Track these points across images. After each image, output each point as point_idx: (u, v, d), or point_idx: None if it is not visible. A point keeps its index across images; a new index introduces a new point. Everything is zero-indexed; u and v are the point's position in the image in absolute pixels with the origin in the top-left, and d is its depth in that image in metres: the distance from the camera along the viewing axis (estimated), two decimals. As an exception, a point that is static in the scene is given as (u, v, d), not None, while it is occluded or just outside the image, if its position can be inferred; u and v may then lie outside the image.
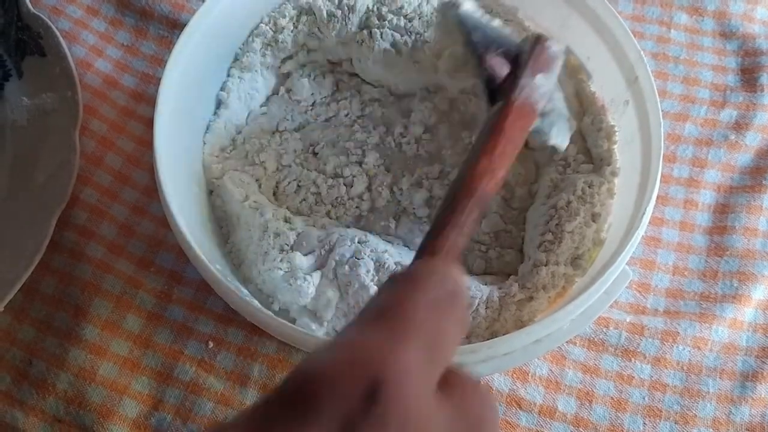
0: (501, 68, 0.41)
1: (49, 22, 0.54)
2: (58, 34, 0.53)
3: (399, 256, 0.45)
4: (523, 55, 0.41)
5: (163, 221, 0.47)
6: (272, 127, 0.53)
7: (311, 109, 0.55)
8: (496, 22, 0.46)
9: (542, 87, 0.39)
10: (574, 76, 0.52)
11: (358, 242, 0.45)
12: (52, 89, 0.52)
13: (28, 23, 0.53)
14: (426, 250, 0.31)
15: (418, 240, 0.48)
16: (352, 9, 0.52)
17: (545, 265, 0.45)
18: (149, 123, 0.46)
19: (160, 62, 0.52)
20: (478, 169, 0.34)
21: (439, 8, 0.48)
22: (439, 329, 0.23)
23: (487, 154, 0.35)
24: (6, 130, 0.53)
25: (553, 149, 0.45)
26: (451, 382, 0.24)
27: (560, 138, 0.43)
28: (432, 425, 0.22)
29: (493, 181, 0.34)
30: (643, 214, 0.42)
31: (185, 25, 0.49)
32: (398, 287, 0.24)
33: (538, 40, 0.41)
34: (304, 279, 0.43)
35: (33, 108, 0.53)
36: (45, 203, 0.48)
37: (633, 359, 0.48)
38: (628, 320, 0.49)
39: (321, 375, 0.21)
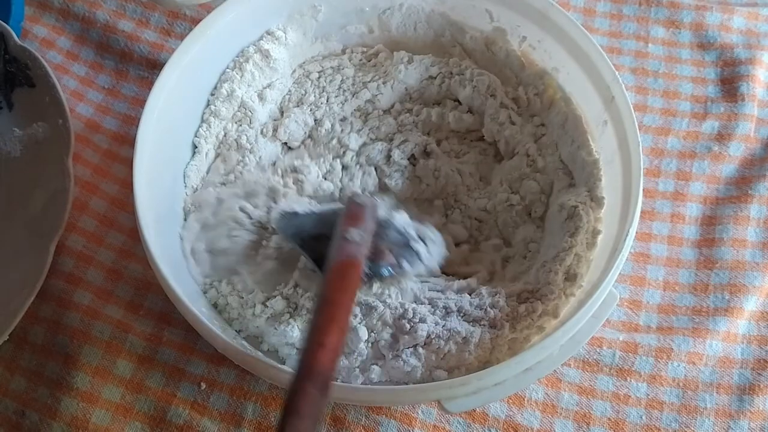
0: (322, 245, 0.42)
1: (36, 54, 0.54)
2: (45, 64, 0.53)
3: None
4: (338, 219, 0.42)
5: (151, 263, 0.46)
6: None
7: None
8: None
9: (358, 238, 0.40)
10: (558, 102, 0.52)
11: None
12: (42, 118, 0.52)
13: (15, 56, 0.54)
14: None
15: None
16: None
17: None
18: (132, 165, 0.46)
19: (142, 103, 0.52)
20: (310, 347, 0.35)
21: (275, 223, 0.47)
22: None
23: (316, 329, 0.36)
24: (0, 163, 0.53)
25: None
26: None
27: (414, 266, 0.44)
28: None
29: (326, 351, 0.34)
30: (626, 236, 0.42)
31: (164, 64, 0.49)
32: None
33: (348, 200, 0.43)
34: (288, 323, 0.43)
35: (25, 138, 0.53)
36: (42, 231, 0.48)
37: (628, 378, 0.48)
38: (621, 338, 0.49)
39: None
